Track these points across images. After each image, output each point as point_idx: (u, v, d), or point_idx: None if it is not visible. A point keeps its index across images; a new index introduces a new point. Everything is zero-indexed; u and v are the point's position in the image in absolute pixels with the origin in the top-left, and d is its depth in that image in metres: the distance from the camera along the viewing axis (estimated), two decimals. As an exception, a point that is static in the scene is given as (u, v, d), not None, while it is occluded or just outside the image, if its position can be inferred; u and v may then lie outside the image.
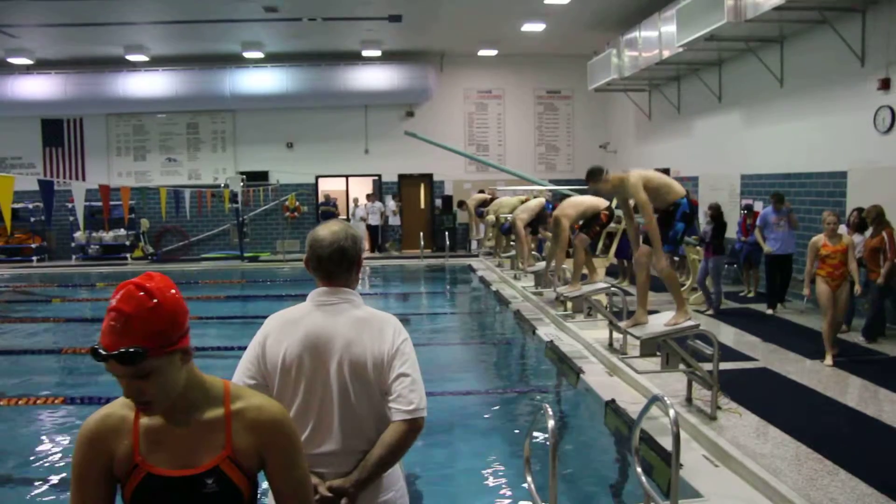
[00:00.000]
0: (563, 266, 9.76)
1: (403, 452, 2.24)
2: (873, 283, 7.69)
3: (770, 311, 9.52)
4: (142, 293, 1.52)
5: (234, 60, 17.86)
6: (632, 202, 6.58)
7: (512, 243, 13.91)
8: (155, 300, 1.52)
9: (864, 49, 8.87)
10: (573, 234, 9.29)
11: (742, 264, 11.09)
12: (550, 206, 11.25)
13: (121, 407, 1.68)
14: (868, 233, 7.95)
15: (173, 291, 1.58)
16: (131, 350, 1.48)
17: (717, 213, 9.92)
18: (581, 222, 9.42)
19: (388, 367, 2.24)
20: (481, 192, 17.58)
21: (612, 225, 10.56)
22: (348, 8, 13.94)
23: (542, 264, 11.28)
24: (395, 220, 19.14)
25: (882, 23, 8.59)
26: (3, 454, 5.67)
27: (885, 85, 8.49)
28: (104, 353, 1.49)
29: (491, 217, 14.36)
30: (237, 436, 1.66)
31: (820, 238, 7.03)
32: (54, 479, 5.10)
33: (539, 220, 11.88)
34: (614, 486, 5.07)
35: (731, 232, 11.62)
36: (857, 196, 8.93)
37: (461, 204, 17.65)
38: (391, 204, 19.10)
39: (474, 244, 18.51)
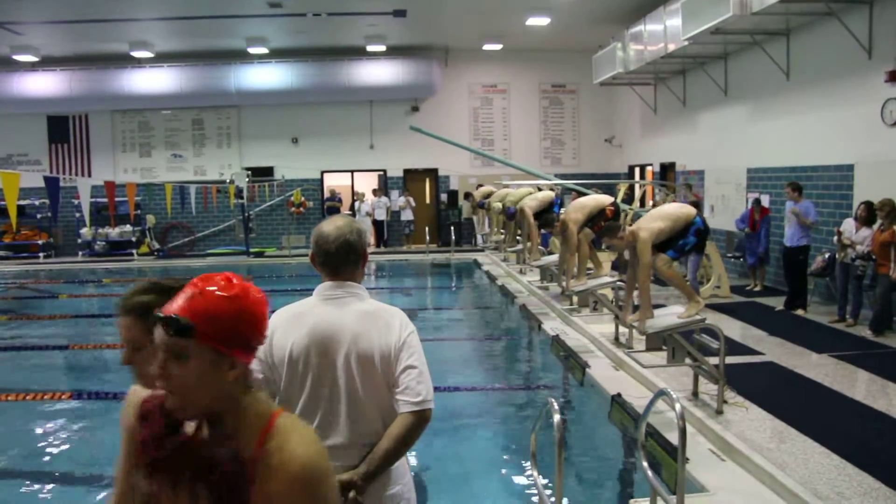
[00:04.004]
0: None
1: (411, 445, 2.24)
2: (881, 277, 7.67)
3: (780, 308, 9.44)
4: (227, 281, 1.46)
5: (239, 56, 17.85)
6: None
7: (518, 238, 13.89)
8: (234, 292, 1.44)
9: (871, 41, 8.80)
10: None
11: (752, 263, 11.00)
12: (559, 202, 11.20)
13: None
14: (876, 226, 7.91)
15: (260, 299, 1.48)
16: (181, 319, 1.40)
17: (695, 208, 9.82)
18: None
19: (395, 360, 2.25)
20: (481, 185, 17.58)
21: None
22: (352, 3, 13.92)
23: (548, 259, 11.27)
24: (406, 215, 19.11)
25: (889, 15, 8.53)
26: (10, 449, 5.70)
27: (892, 77, 8.43)
28: (160, 314, 1.43)
29: (497, 204, 14.31)
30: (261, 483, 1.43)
31: None
32: (61, 473, 5.13)
33: (546, 214, 11.77)
34: (620, 480, 5.07)
35: (731, 225, 11.60)
36: (864, 189, 8.88)
37: (468, 195, 17.47)
38: (401, 200, 19.08)
39: (479, 239, 18.50)
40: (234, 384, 1.47)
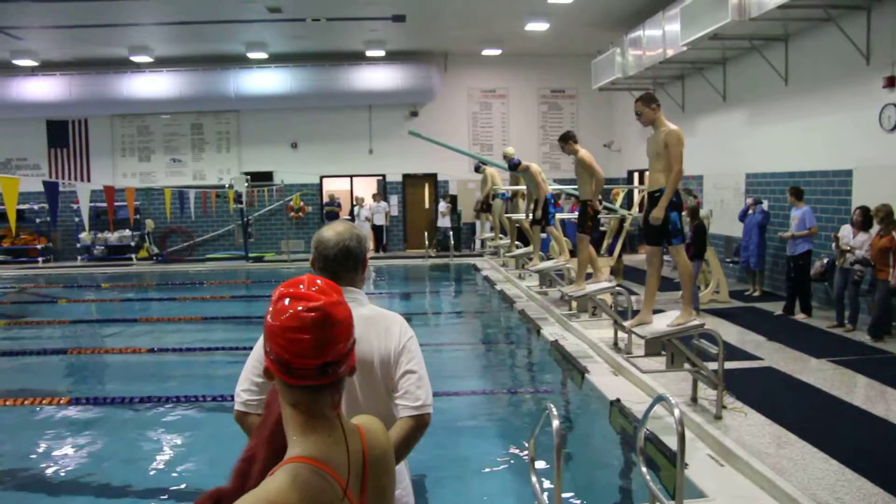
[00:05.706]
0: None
1: (410, 449, 2.24)
2: (880, 282, 7.68)
3: (778, 313, 9.44)
4: (296, 289, 1.53)
5: (238, 61, 17.88)
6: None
7: (518, 244, 13.89)
8: (274, 296, 1.51)
9: (869, 47, 8.83)
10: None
11: (750, 268, 10.98)
12: (552, 198, 11.19)
13: None
14: (873, 231, 7.93)
15: (281, 312, 1.45)
16: None
17: (694, 213, 9.72)
18: (578, 221, 9.21)
19: (394, 365, 2.25)
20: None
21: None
22: (352, 8, 13.95)
23: (547, 264, 11.28)
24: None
25: (887, 21, 8.55)
26: (9, 454, 5.69)
27: (890, 83, 8.45)
28: None
29: (495, 174, 14.33)
30: None
31: None
32: (60, 478, 5.12)
33: (544, 214, 11.69)
34: (619, 485, 5.07)
35: (730, 230, 11.61)
36: (862, 195, 8.90)
37: (478, 168, 16.48)
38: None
39: (479, 243, 18.50)
40: (276, 394, 1.52)
